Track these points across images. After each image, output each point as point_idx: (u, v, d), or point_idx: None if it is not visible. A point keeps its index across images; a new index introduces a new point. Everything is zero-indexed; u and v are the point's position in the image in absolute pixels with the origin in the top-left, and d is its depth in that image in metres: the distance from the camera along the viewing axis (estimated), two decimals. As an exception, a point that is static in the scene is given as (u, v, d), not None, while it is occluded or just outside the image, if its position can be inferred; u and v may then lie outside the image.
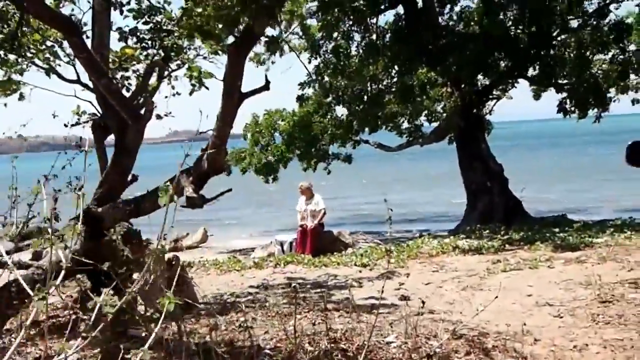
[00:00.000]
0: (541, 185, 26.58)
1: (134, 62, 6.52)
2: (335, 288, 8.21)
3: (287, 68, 18.95)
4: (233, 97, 4.57)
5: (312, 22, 17.27)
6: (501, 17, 14.78)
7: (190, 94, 7.97)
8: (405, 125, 18.57)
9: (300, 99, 17.47)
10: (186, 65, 7.15)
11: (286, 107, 18.39)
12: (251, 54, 18.46)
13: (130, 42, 7.71)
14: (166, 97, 8.17)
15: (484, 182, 16.19)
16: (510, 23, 15.11)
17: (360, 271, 9.54)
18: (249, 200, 30.66)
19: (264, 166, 17.60)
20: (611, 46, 14.94)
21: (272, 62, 18.34)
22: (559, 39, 15.67)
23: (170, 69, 7.93)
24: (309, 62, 17.10)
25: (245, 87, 5.22)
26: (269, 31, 17.05)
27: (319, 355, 5.19)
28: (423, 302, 6.08)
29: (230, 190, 5.28)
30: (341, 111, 17.78)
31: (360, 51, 16.60)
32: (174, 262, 7.49)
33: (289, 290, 8.13)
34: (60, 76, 7.25)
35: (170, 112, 8.02)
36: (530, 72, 16.41)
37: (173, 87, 8.23)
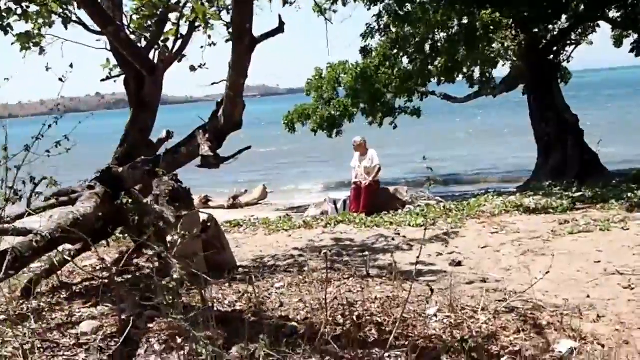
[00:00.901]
0: (622, 138, 24.76)
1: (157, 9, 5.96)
2: (383, 251, 7.66)
3: (348, 16, 17.98)
4: (243, 41, 4.00)
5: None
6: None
7: (227, 41, 7.42)
8: (476, 75, 17.66)
9: (364, 51, 16.64)
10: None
11: (349, 59, 17.65)
12: (311, 3, 17.71)
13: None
14: (202, 47, 7.69)
15: (557, 134, 15.07)
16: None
17: (412, 232, 8.92)
18: (312, 156, 30.36)
19: (326, 120, 17.04)
20: None
21: (334, 12, 17.52)
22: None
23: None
24: (368, 9, 16.20)
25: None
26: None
27: (350, 329, 4.70)
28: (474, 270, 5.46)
29: (249, 147, 4.77)
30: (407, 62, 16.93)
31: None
32: (209, 224, 7.13)
33: (333, 253, 7.66)
34: (85, 26, 6.83)
35: (204, 64, 7.54)
36: (612, 13, 15.01)
37: (210, 37, 7.73)
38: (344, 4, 17.25)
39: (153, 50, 5.61)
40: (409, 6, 15.87)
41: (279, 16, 4.19)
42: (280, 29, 4.21)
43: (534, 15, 13.94)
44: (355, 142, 12.48)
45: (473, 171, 23.41)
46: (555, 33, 15.76)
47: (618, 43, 16.65)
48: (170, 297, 5.07)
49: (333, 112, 16.96)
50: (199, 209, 17.89)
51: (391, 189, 12.51)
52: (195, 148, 4.68)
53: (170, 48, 6.93)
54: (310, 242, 8.64)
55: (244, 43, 4.03)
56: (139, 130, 5.41)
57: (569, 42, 16.61)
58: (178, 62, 6.37)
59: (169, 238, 6.37)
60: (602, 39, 17.81)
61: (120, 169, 5.40)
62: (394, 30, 16.58)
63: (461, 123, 44.43)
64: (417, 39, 15.94)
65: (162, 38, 5.66)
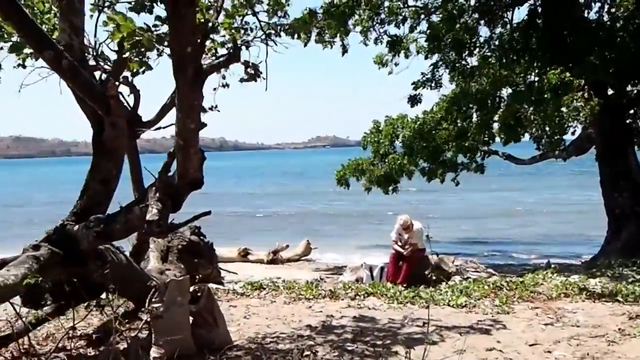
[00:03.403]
0: None
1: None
2: (408, 340, 6.35)
3: (405, 68, 16.94)
4: (186, 72, 2.99)
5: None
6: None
7: (241, 81, 6.52)
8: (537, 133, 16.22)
9: (413, 99, 15.49)
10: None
11: (409, 114, 16.53)
12: (373, 54, 16.75)
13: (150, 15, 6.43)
14: (214, 89, 6.82)
15: (632, 206, 13.41)
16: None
17: (450, 315, 7.58)
18: (365, 213, 29.11)
19: (383, 177, 15.86)
20: None
21: (396, 64, 16.57)
22: None
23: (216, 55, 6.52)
24: (425, 59, 15.18)
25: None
26: (392, 30, 15.36)
27: None
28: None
29: (208, 213, 3.73)
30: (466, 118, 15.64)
31: (486, 47, 14.52)
32: (199, 294, 6.09)
33: (344, 339, 6.44)
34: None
35: (216, 106, 6.64)
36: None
37: (224, 77, 6.86)
38: (406, 56, 16.37)
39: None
40: (468, 59, 14.85)
41: (233, 40, 3.18)
42: (234, 56, 3.20)
43: (610, 79, 12.58)
44: (404, 222, 10.87)
45: (531, 242, 21.52)
46: (632, 95, 14.28)
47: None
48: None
49: (388, 170, 15.76)
50: (237, 261, 16.88)
51: (436, 257, 11.13)
52: (147, 209, 3.67)
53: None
54: (329, 319, 7.45)
55: (186, 74, 3.01)
56: (100, 181, 4.46)
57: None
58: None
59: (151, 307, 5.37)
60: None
61: (76, 227, 4.44)
62: (454, 84, 15.50)
63: (523, 188, 42.19)
64: (478, 95, 14.70)
65: (134, 70, 4.75)
